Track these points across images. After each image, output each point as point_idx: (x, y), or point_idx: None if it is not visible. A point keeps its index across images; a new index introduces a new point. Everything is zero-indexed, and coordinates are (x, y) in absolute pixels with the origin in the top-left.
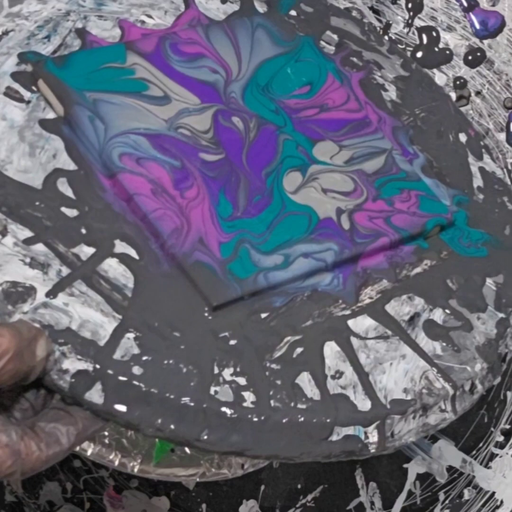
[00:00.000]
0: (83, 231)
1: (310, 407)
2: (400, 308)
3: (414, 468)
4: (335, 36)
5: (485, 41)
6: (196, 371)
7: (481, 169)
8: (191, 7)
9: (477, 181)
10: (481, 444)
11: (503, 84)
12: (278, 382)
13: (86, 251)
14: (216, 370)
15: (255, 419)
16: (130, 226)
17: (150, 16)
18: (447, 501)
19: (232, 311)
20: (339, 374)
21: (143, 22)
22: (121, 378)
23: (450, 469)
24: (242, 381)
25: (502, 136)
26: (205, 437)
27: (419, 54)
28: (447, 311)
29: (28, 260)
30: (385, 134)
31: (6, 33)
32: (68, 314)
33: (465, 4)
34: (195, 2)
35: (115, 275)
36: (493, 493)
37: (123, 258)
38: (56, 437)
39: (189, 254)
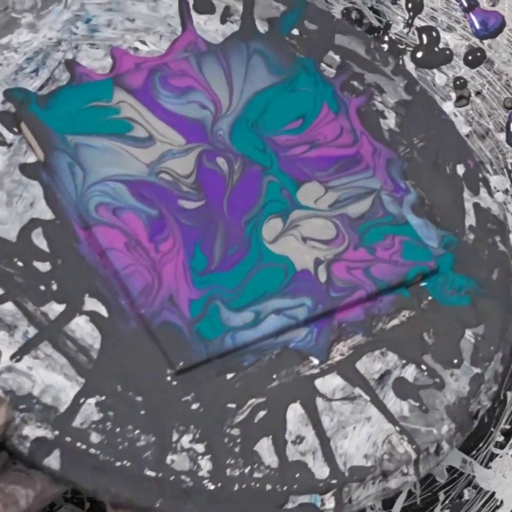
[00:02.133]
0: (54, 287)
1: (266, 475)
2: (371, 365)
3: None
4: (337, 57)
5: (485, 41)
6: (154, 439)
7: (476, 206)
8: (187, 30)
9: (470, 220)
10: (481, 444)
11: (503, 84)
12: (237, 449)
13: (55, 309)
14: (174, 437)
15: (211, 488)
16: (102, 280)
17: (144, 43)
18: (447, 501)
19: (198, 372)
20: (300, 440)
21: (136, 49)
22: (78, 445)
23: (450, 469)
24: (200, 448)
25: (502, 136)
26: (159, 505)
27: (419, 54)
28: (421, 367)
29: None
30: (377, 169)
31: None
32: (31, 378)
33: (465, 4)
34: (193, 24)
35: (82, 335)
36: (493, 493)
37: (92, 316)
38: (15, 499)
39: (158, 314)
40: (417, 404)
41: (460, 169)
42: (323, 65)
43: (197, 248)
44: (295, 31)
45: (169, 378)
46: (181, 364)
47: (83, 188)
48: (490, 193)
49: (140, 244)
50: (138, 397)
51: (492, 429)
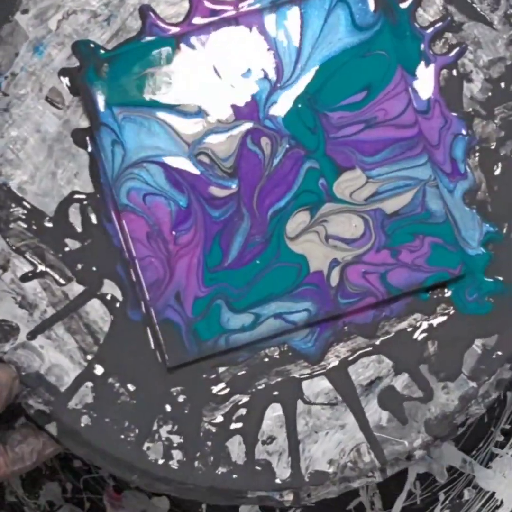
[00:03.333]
0: (79, 267)
1: (230, 471)
2: (363, 370)
3: (414, 468)
4: (439, 2)
5: None
6: (135, 429)
7: None
8: None
9: None
10: (481, 444)
11: None
12: (209, 443)
13: (75, 289)
14: (155, 427)
15: (177, 479)
16: (123, 265)
17: None
18: (447, 501)
19: (191, 366)
20: (270, 440)
21: None
22: (70, 424)
23: (450, 469)
24: (176, 439)
25: None
26: (136, 480)
27: None
28: (413, 377)
29: (19, 298)
30: (440, 147)
31: (67, 16)
32: (41, 357)
33: None
34: None
35: (94, 318)
36: (493, 493)
37: (107, 300)
38: (21, 456)
39: (162, 310)
40: (397, 415)
41: None
42: (420, 10)
43: (215, 242)
44: None
45: (162, 371)
46: (173, 363)
47: (120, 169)
48: None
49: (162, 234)
50: (132, 385)
51: (492, 429)
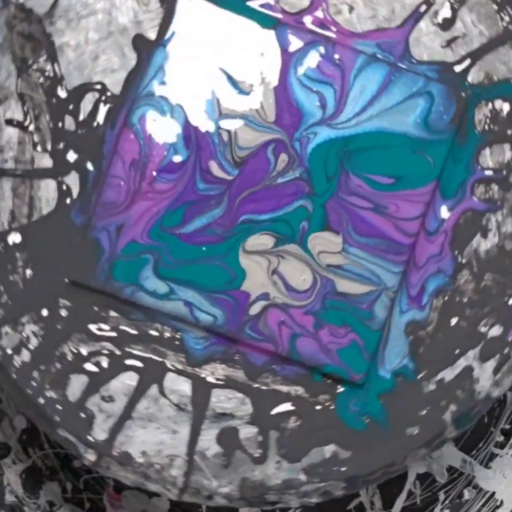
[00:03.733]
0: (60, 146)
1: (57, 400)
2: (225, 399)
3: (414, 468)
4: (509, 155)
5: None
6: (3, 308)
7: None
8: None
9: None
10: (481, 444)
11: None
12: (57, 365)
13: (44, 162)
14: (24, 319)
15: (13, 377)
16: (97, 167)
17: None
18: (447, 501)
19: (89, 291)
20: (109, 400)
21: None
22: None
23: (450, 469)
24: (34, 342)
25: None
26: None
27: None
28: (259, 434)
29: None
30: (417, 270)
31: None
32: None
33: None
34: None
35: (41, 196)
36: (493, 493)
37: (62, 189)
38: None
39: (99, 230)
40: (224, 456)
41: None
42: (487, 150)
43: (183, 208)
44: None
45: (63, 281)
46: (73, 277)
47: (151, 91)
48: None
49: (144, 169)
50: (30, 271)
51: (492, 429)
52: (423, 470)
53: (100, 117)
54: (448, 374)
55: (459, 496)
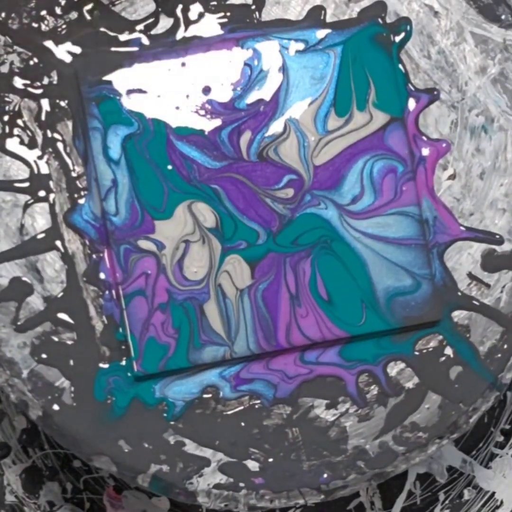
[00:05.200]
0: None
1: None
2: None
3: (414, 468)
4: None
5: None
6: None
7: None
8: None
9: None
10: (481, 444)
11: None
12: None
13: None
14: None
15: None
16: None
17: None
18: (447, 501)
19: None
20: None
21: None
22: None
23: (450, 469)
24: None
25: None
26: None
27: None
28: None
29: None
30: None
31: None
32: None
33: None
34: None
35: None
36: (493, 493)
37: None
38: None
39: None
40: None
41: None
42: None
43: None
44: None
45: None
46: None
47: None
48: None
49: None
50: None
51: (492, 429)
52: (423, 470)
53: None
54: None
55: (459, 496)
